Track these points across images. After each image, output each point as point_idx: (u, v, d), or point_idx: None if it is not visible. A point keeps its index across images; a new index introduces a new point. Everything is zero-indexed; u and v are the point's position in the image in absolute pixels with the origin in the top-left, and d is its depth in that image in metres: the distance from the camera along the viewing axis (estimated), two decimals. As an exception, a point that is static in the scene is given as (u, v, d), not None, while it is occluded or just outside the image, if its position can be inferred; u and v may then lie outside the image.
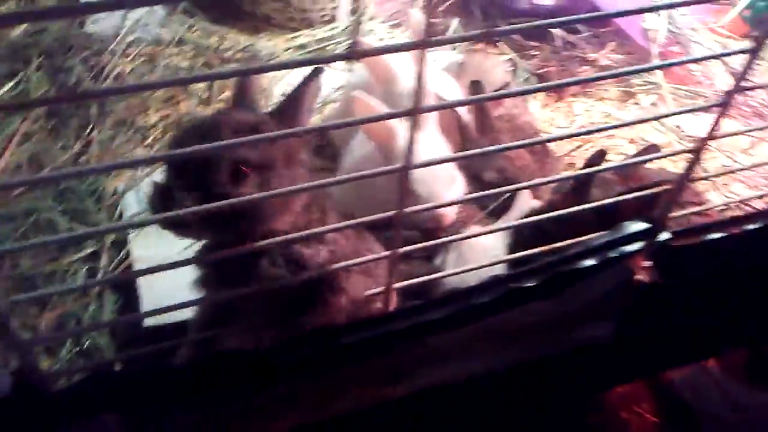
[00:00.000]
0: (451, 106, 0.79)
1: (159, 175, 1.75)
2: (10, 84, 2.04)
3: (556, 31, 2.49)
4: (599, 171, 1.31)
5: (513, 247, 1.32)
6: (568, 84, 0.88)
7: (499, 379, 1.20)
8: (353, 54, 0.58)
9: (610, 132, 2.11)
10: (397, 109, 1.54)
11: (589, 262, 1.06)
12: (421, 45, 0.62)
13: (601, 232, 1.09)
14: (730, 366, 1.56)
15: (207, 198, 0.85)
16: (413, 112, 0.69)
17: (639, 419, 1.48)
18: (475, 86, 1.63)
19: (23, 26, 2.13)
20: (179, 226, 0.90)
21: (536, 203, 1.41)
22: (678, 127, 2.21)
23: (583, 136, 2.06)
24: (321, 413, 1.08)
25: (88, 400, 0.86)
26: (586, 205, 1.11)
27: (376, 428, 1.18)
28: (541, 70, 2.39)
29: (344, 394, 1.07)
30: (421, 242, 0.97)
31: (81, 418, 0.86)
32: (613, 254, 1.08)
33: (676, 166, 2.04)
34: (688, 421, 1.50)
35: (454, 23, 2.52)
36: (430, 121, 1.50)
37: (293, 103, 0.98)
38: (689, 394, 1.51)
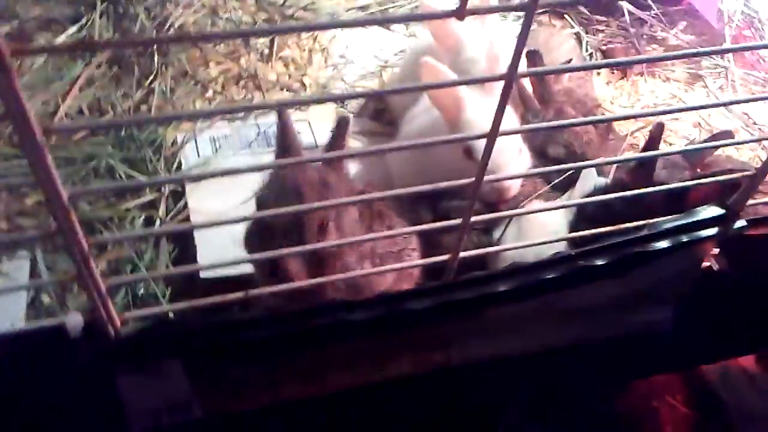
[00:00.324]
0: (547, 72, 0.76)
1: (215, 130, 1.78)
2: (74, 28, 2.05)
3: (625, 7, 2.41)
4: (674, 153, 1.28)
5: (576, 224, 1.29)
6: (638, 62, 0.85)
7: (548, 357, 1.19)
8: (458, 12, 0.56)
9: (676, 115, 2.05)
10: (463, 76, 1.52)
11: (660, 244, 1.04)
12: (527, 6, 0.59)
13: (673, 215, 1.07)
14: (768, 362, 1.54)
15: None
16: (508, 77, 0.66)
17: (670, 409, 1.46)
18: (533, 56, 1.59)
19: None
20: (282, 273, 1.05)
21: (602, 180, 1.37)
22: (745, 114, 2.15)
23: (647, 119, 2.00)
24: (374, 376, 1.08)
25: (152, 345, 0.87)
26: (661, 187, 1.08)
27: (424, 395, 1.18)
28: (606, 46, 2.33)
29: (397, 358, 1.07)
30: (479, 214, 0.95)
31: (145, 362, 0.87)
32: (685, 238, 1.05)
33: (741, 154, 1.99)
34: (720, 414, 1.48)
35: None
36: (498, 90, 1.46)
37: (336, 144, 1.16)
38: (722, 387, 1.49)
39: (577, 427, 1.43)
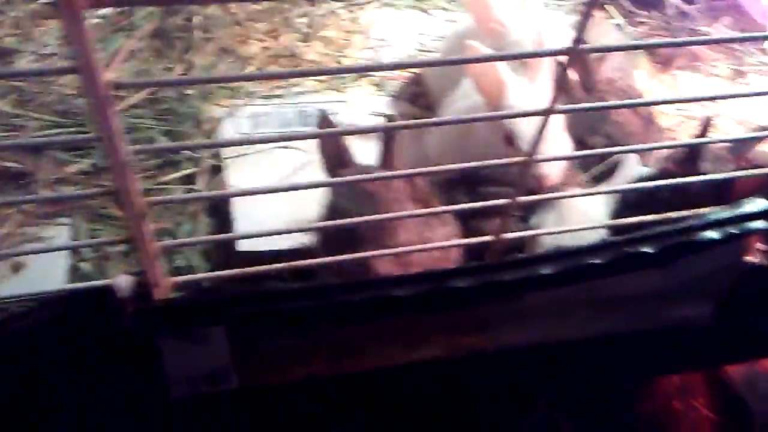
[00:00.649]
0: (610, 50, 0.75)
1: (254, 108, 1.79)
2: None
3: (669, -1, 2.39)
4: (718, 142, 1.26)
5: (618, 212, 1.28)
6: (673, 44, 0.84)
7: (582, 348, 1.18)
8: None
9: (718, 111, 2.02)
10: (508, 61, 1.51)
11: (707, 234, 1.03)
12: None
13: (719, 206, 1.05)
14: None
15: None
16: (572, 52, 0.66)
17: (693, 412, 1.44)
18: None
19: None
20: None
21: (645, 169, 1.35)
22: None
23: (688, 113, 1.98)
24: (408, 356, 1.08)
25: (198, 310, 0.88)
26: (706, 176, 1.07)
27: (456, 380, 1.18)
28: (648, 39, 2.30)
29: (433, 339, 1.07)
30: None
31: (190, 327, 0.88)
32: (733, 230, 1.03)
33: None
34: (743, 419, 1.46)
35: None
36: (544, 75, 1.45)
37: (387, 158, 1.25)
38: (747, 391, 1.47)
39: (602, 422, 1.43)
